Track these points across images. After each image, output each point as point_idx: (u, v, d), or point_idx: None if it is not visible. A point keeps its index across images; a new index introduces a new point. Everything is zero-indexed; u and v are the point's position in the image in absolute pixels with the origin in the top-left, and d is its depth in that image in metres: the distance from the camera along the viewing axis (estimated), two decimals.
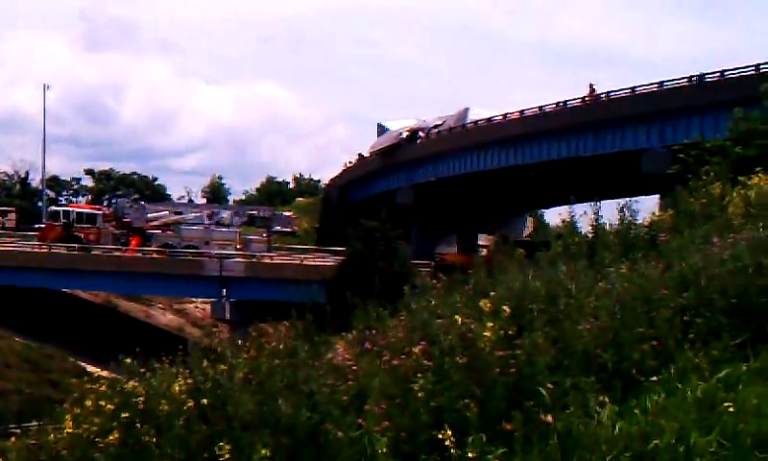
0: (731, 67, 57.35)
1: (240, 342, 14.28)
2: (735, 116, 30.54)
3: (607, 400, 7.87)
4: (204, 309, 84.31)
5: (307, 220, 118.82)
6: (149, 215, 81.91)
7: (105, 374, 25.20)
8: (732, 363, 8.68)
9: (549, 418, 7.48)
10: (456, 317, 9.47)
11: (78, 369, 66.88)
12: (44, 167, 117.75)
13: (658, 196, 40.27)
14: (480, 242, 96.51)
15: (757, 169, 21.17)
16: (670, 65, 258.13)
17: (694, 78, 60.39)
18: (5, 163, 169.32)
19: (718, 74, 58.29)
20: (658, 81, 64.03)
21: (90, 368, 61.77)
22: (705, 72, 59.89)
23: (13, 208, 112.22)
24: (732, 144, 27.85)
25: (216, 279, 71.65)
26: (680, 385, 8.19)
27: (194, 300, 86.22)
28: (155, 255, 76.30)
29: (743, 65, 55.79)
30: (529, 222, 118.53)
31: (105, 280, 72.87)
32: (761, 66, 53.23)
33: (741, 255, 10.96)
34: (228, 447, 8.39)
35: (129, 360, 12.75)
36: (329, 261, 69.97)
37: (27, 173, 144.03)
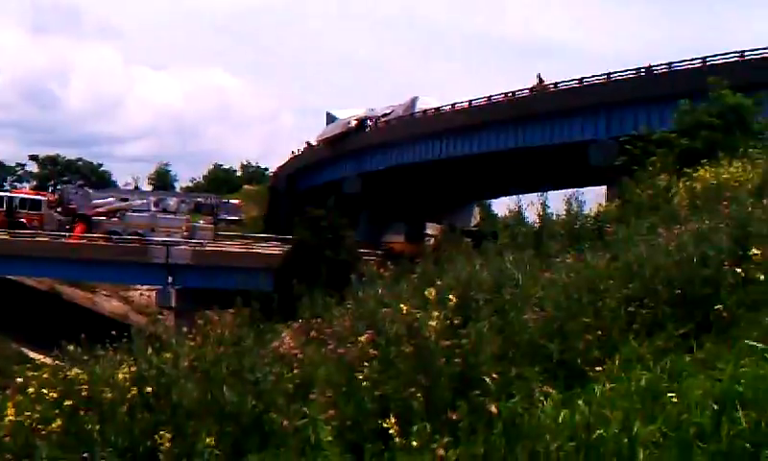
0: (678, 60, 57.81)
1: (185, 329, 14.20)
2: (681, 108, 30.83)
3: (551, 389, 7.89)
4: (149, 297, 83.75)
5: (255, 208, 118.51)
6: (94, 201, 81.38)
7: (48, 361, 24.97)
8: (676, 353, 8.73)
9: (494, 407, 7.48)
10: (402, 306, 9.44)
11: (21, 355, 66.26)
12: None
13: (605, 187, 40.69)
14: (428, 231, 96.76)
15: (703, 161, 21.38)
16: (619, 57, 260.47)
17: (642, 70, 60.76)
18: None
19: (665, 66, 58.66)
20: (606, 72, 64.39)
21: (34, 355, 61.18)
22: (652, 64, 60.31)
23: None
24: (678, 136, 28.12)
25: (162, 266, 71.17)
26: (624, 375, 8.22)
27: (139, 287, 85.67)
28: (100, 242, 75.71)
29: (690, 58, 56.28)
30: (476, 211, 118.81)
31: (49, 267, 72.19)
32: (708, 59, 53.74)
33: (686, 247, 11.03)
34: (169, 435, 8.34)
35: (72, 347, 12.65)
36: (276, 249, 69.79)
37: None
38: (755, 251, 10.55)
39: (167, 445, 8.24)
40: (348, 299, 13.96)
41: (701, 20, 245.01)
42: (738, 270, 10.26)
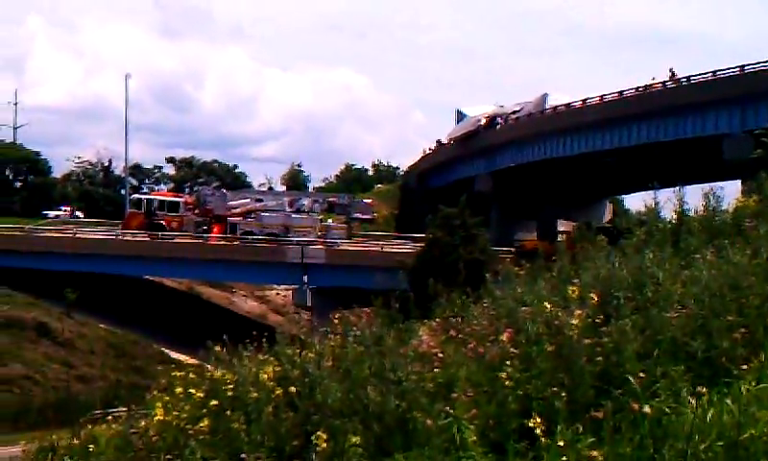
0: None
1: (323, 329, 14.39)
2: None
3: (701, 389, 7.79)
4: (285, 296, 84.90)
5: (386, 207, 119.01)
6: (230, 203, 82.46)
7: (189, 360, 25.51)
8: None
9: (647, 407, 7.39)
10: (545, 304, 9.45)
11: (162, 355, 67.79)
12: (127, 155, 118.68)
13: (739, 181, 39.86)
14: (559, 228, 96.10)
15: None
16: (752, 49, 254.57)
17: None
18: (89, 152, 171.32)
19: None
20: (739, 64, 63.18)
21: (175, 354, 62.55)
22: None
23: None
24: None
25: (297, 266, 71.97)
26: None
27: (275, 287, 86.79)
28: (237, 243, 76.81)
29: None
30: (608, 208, 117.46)
31: (187, 268, 73.76)
32: None
33: None
34: (324, 435, 8.43)
35: (217, 348, 12.96)
36: (409, 248, 69.96)
37: (110, 161, 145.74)
38: None
39: (324, 445, 8.34)
40: (484, 297, 13.94)
41: None
42: None
